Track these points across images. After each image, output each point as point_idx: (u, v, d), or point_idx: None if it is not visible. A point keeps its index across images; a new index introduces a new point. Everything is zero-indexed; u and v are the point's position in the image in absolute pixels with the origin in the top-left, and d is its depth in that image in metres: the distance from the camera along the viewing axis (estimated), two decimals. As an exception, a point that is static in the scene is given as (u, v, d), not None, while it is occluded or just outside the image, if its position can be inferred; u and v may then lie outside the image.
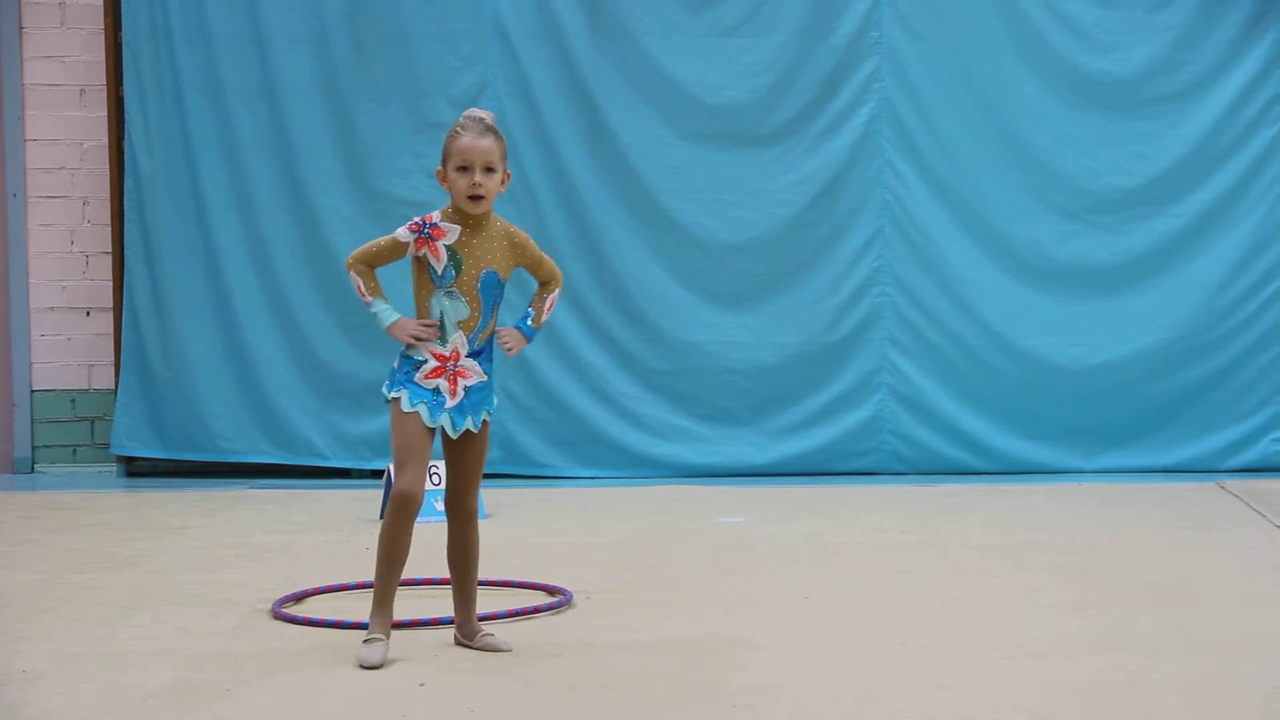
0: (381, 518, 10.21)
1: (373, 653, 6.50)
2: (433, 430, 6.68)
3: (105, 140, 12.18)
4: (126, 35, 11.92)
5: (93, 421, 12.40)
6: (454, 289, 6.52)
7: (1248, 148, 11.87)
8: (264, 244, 11.97)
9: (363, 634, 6.79)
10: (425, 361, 6.62)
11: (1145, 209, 11.93)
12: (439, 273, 6.52)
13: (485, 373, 6.71)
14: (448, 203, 6.62)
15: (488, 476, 10.70)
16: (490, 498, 10.64)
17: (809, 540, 9.69)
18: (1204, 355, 11.93)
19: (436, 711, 6.10)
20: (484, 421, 6.81)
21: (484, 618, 7.64)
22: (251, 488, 11.65)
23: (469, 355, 6.63)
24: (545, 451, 11.92)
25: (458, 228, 6.56)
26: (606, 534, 9.81)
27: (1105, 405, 11.94)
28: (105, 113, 12.17)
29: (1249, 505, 10.54)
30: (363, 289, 6.80)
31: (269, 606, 7.92)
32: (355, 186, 11.94)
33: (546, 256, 7.07)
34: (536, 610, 7.76)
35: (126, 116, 11.99)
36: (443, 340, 6.55)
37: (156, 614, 7.95)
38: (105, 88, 12.16)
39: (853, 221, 11.98)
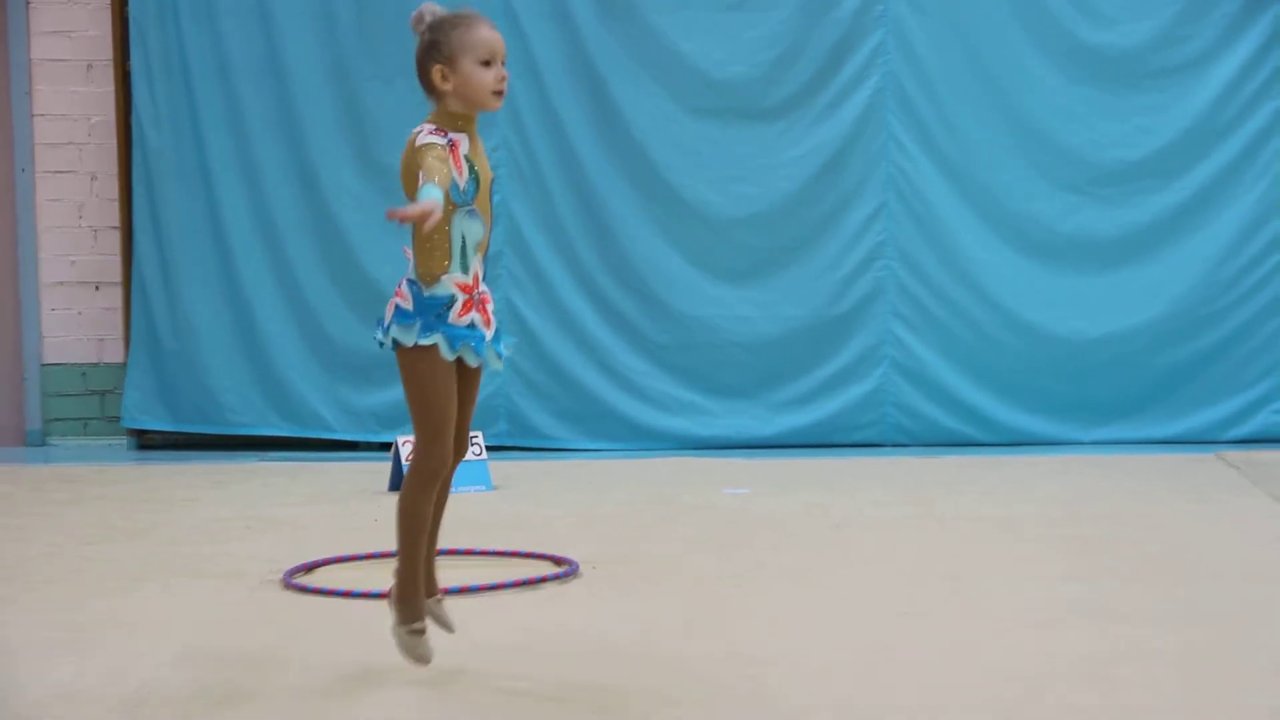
0: (392, 489, 10.30)
1: (423, 646, 5.90)
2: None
3: (113, 115, 12.27)
4: (133, 11, 11.99)
5: (103, 395, 12.46)
6: (474, 206, 5.64)
7: (1250, 121, 11.91)
8: (271, 219, 12.04)
9: (381, 608, 6.16)
10: (453, 297, 5.70)
11: (1148, 182, 11.97)
12: (461, 188, 5.58)
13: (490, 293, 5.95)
14: (431, 113, 5.66)
15: (492, 449, 10.83)
16: (497, 470, 10.71)
17: (811, 512, 9.73)
18: (1205, 328, 11.97)
19: (452, 671, 6.20)
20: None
21: (492, 587, 7.71)
22: (260, 460, 11.72)
23: (484, 278, 5.86)
24: (551, 425, 11.99)
25: (464, 135, 5.65)
26: (612, 505, 9.86)
27: (1106, 377, 12.00)
28: (112, 88, 12.26)
29: (1243, 473, 10.60)
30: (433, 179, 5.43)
31: (279, 577, 7.99)
32: (361, 162, 12.00)
33: None
34: (543, 580, 7.83)
35: (134, 92, 12.07)
36: (464, 267, 5.67)
37: (166, 585, 8.01)
38: (112, 63, 12.25)
39: (857, 196, 12.03)
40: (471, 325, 5.69)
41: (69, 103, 12.43)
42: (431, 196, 5.32)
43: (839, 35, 11.95)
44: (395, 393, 12.02)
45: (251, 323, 12.13)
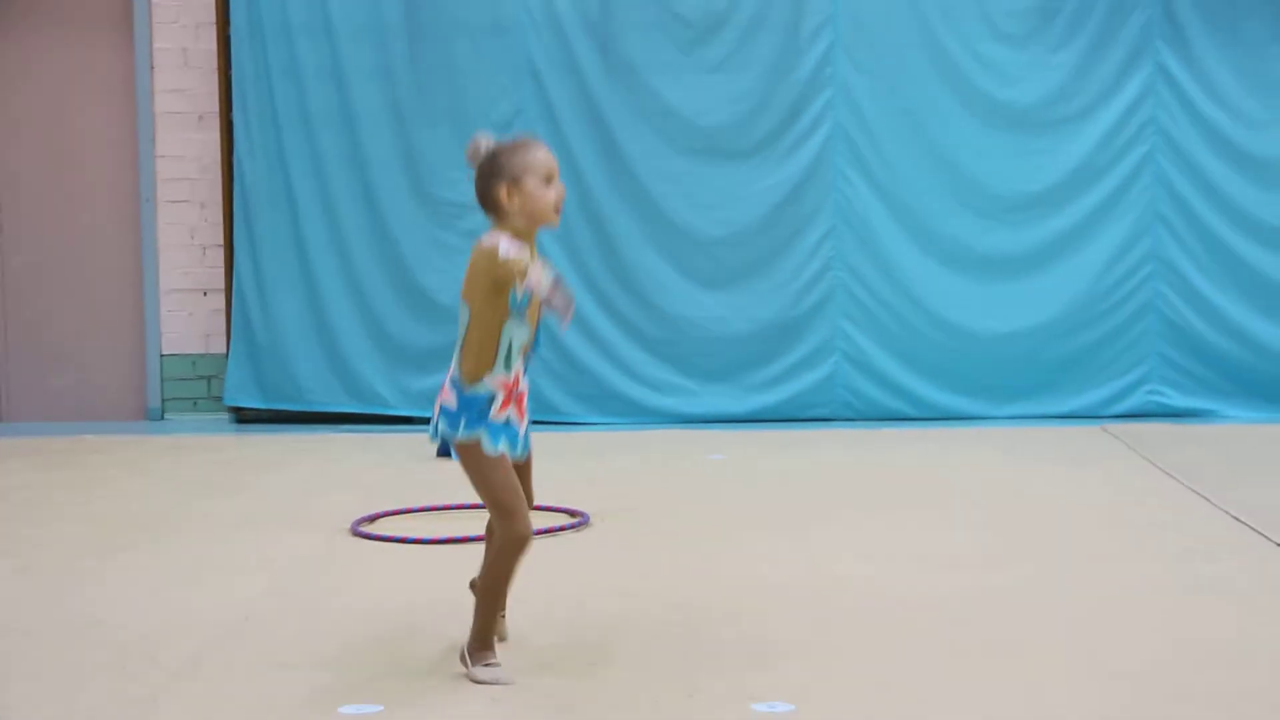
0: (439, 455, 10.29)
1: (501, 674, 5.29)
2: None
3: (218, 156, 12.28)
4: (235, 73, 12.05)
5: (209, 379, 12.50)
6: (525, 314, 5.19)
7: (1123, 162, 11.95)
8: (342, 237, 12.10)
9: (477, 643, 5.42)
10: (494, 397, 5.22)
11: (1044, 209, 12.02)
12: (519, 298, 5.13)
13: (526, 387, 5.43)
14: (495, 223, 5.25)
15: (531, 423, 10.83)
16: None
17: (777, 474, 9.87)
18: (1091, 325, 12.04)
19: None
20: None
21: None
22: (333, 432, 11.78)
23: (524, 375, 5.34)
24: (566, 402, 12.04)
25: (526, 248, 5.16)
26: (616, 469, 9.97)
27: (1012, 365, 12.05)
28: (218, 135, 12.26)
29: (1122, 442, 10.72)
30: (522, 268, 5.03)
31: (348, 526, 8.09)
32: (415, 192, 12.06)
33: None
34: (561, 529, 7.98)
35: (235, 137, 12.12)
36: (507, 367, 5.21)
37: (259, 532, 8.15)
38: (218, 115, 12.25)
39: (812, 220, 12.07)
40: (508, 422, 5.22)
41: (184, 146, 12.43)
42: (542, 278, 4.91)
43: (798, 92, 12.00)
44: (443, 378, 12.06)
45: (325, 320, 12.18)
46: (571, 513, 8.29)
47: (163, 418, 12.55)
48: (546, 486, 9.13)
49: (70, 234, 12.61)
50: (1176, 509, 8.53)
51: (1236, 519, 8.12)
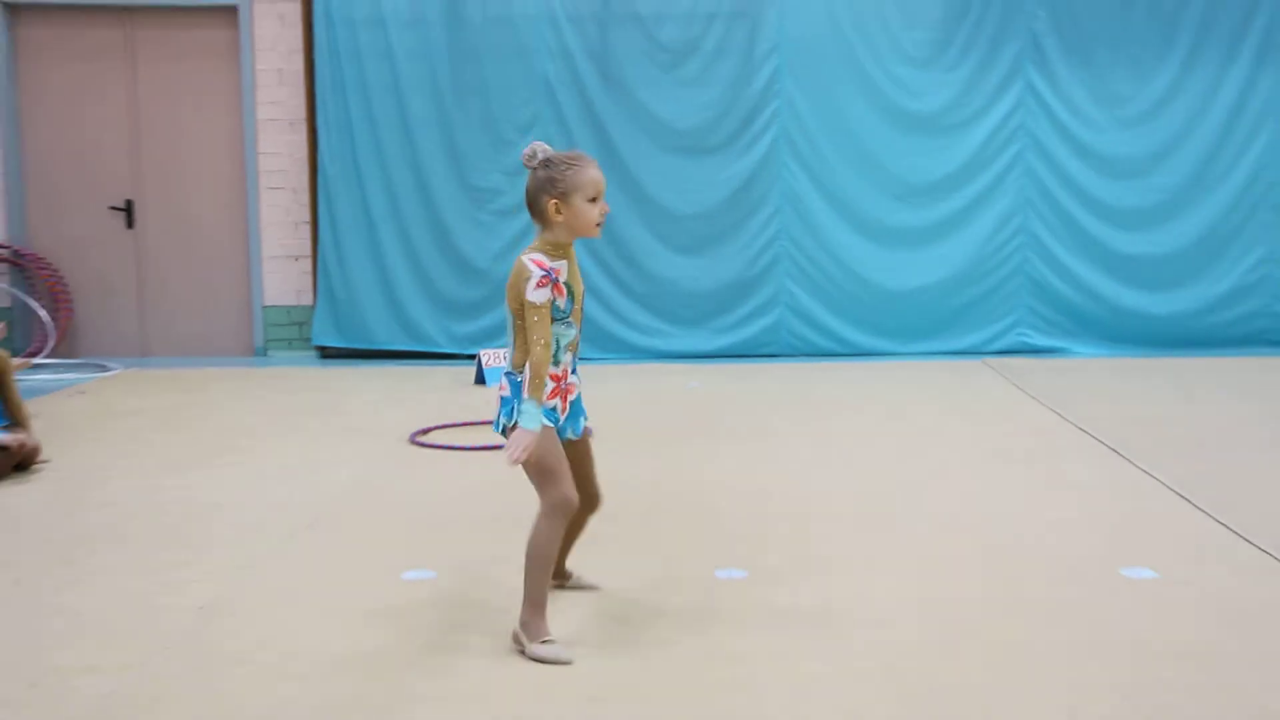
0: (477, 383, 10.35)
1: (561, 650, 4.45)
2: None
3: (306, 154, 12.26)
4: (318, 89, 11.98)
5: (300, 325, 12.44)
6: (570, 319, 4.59)
7: (1002, 157, 11.96)
8: (400, 215, 12.06)
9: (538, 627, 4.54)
10: (545, 384, 4.55)
11: (941, 194, 12.02)
12: (562, 308, 4.54)
13: (577, 384, 4.78)
14: (539, 235, 4.61)
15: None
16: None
17: (738, 397, 9.88)
18: (975, 283, 12.04)
19: (507, 502, 6.33)
20: (585, 428, 4.85)
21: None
22: (394, 365, 11.76)
23: (573, 371, 4.71)
24: None
25: (564, 263, 4.56)
26: (611, 394, 9.93)
27: (916, 313, 12.05)
28: (305, 137, 12.23)
29: (998, 372, 10.74)
30: (539, 391, 4.47)
31: (407, 436, 8.19)
32: (457, 180, 12.00)
33: None
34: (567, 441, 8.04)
35: (318, 139, 12.07)
36: (556, 362, 4.57)
37: (341, 440, 8.23)
38: (305, 121, 12.21)
39: (763, 202, 12.05)
40: (554, 409, 4.58)
41: (279, 146, 12.38)
42: (533, 427, 4.40)
43: (752, 103, 11.96)
44: (479, 324, 12.16)
45: (388, 278, 12.12)
46: (577, 426, 8.34)
47: (265, 354, 12.53)
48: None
49: (193, 214, 12.59)
50: (1037, 422, 8.62)
51: (1080, 429, 8.25)
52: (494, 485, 6.79)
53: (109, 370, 11.66)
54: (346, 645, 4.55)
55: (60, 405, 9.68)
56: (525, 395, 4.43)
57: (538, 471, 4.54)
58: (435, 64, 11.98)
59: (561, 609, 4.80)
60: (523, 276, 4.48)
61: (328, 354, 12.38)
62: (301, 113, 12.30)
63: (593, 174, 4.57)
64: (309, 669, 4.32)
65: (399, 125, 12.04)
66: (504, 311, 11.97)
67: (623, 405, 9.44)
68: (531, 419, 4.42)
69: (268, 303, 12.56)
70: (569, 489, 4.55)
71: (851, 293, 12.11)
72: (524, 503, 6.07)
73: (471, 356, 11.20)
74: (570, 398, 4.70)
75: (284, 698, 4.07)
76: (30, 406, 8.11)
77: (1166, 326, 12.01)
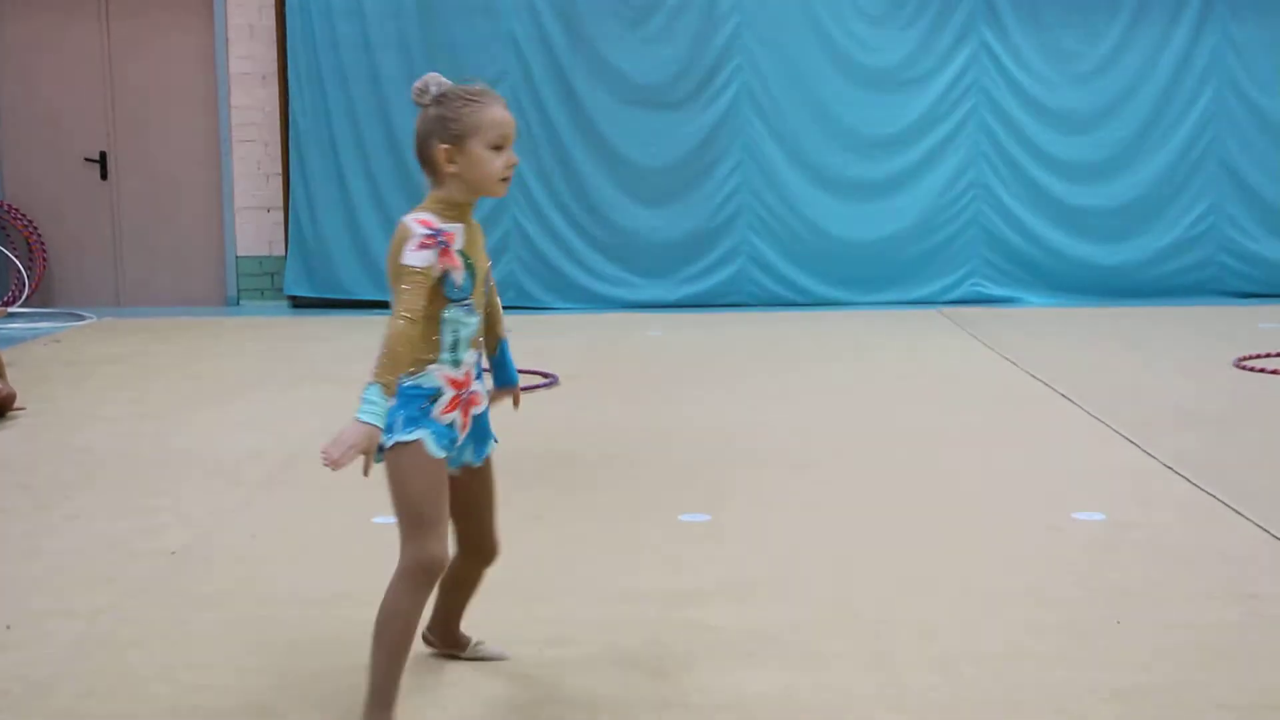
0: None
1: None
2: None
3: (278, 107, 12.17)
4: (289, 43, 11.91)
5: (272, 275, 12.40)
6: (470, 301, 3.41)
7: (956, 113, 12.00)
8: (370, 168, 12.00)
9: None
10: (441, 392, 3.40)
11: (898, 148, 12.03)
12: (458, 284, 3.38)
13: (482, 394, 3.57)
14: (430, 194, 3.44)
15: (504, 308, 10.87)
16: (507, 320, 10.80)
17: (701, 345, 9.90)
18: (930, 234, 12.08)
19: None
20: (488, 458, 3.64)
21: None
22: (364, 314, 11.65)
23: (477, 376, 3.53)
24: (540, 292, 11.99)
25: (460, 226, 3.40)
26: (578, 342, 9.96)
27: (875, 264, 12.06)
28: (277, 91, 12.15)
29: (953, 321, 10.79)
30: (391, 374, 3.25)
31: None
32: None
33: None
34: (536, 387, 8.02)
35: (290, 93, 12.01)
36: (454, 363, 3.41)
37: (311, 388, 8.21)
38: (277, 76, 12.13)
39: (725, 155, 12.04)
40: (451, 426, 3.41)
41: (252, 99, 12.31)
42: (375, 422, 3.18)
43: (714, 58, 11.95)
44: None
45: (358, 230, 12.08)
46: (545, 374, 8.33)
47: (238, 304, 12.49)
48: (524, 354, 9.22)
49: (166, 166, 12.52)
50: (989, 369, 8.67)
51: (1031, 375, 8.30)
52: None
53: (84, 319, 11.63)
54: (319, 588, 4.54)
55: (35, 354, 9.65)
56: (371, 377, 3.24)
57: (406, 514, 3.36)
58: (404, 21, 11.90)
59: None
60: (402, 238, 3.35)
61: (299, 303, 12.34)
62: (273, 67, 12.23)
63: (496, 114, 3.42)
64: (281, 611, 4.31)
65: (369, 80, 11.98)
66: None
67: (587, 354, 9.44)
68: (370, 411, 3.19)
69: (240, 253, 12.53)
70: (439, 548, 3.36)
71: (811, 244, 12.13)
72: (519, 441, 6.02)
73: (440, 306, 11.19)
74: (474, 411, 3.52)
75: (257, 640, 4.05)
76: (5, 355, 8.12)
77: (1115, 276, 12.07)
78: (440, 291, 3.38)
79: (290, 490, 5.85)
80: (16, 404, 7.47)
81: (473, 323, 3.46)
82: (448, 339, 3.42)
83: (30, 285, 12.29)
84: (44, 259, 12.46)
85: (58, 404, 7.78)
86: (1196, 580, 4.51)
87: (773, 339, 10.13)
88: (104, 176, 12.55)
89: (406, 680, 3.40)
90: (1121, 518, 5.25)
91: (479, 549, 3.69)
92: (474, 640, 3.90)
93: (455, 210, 3.42)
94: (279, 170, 12.34)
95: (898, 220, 12.09)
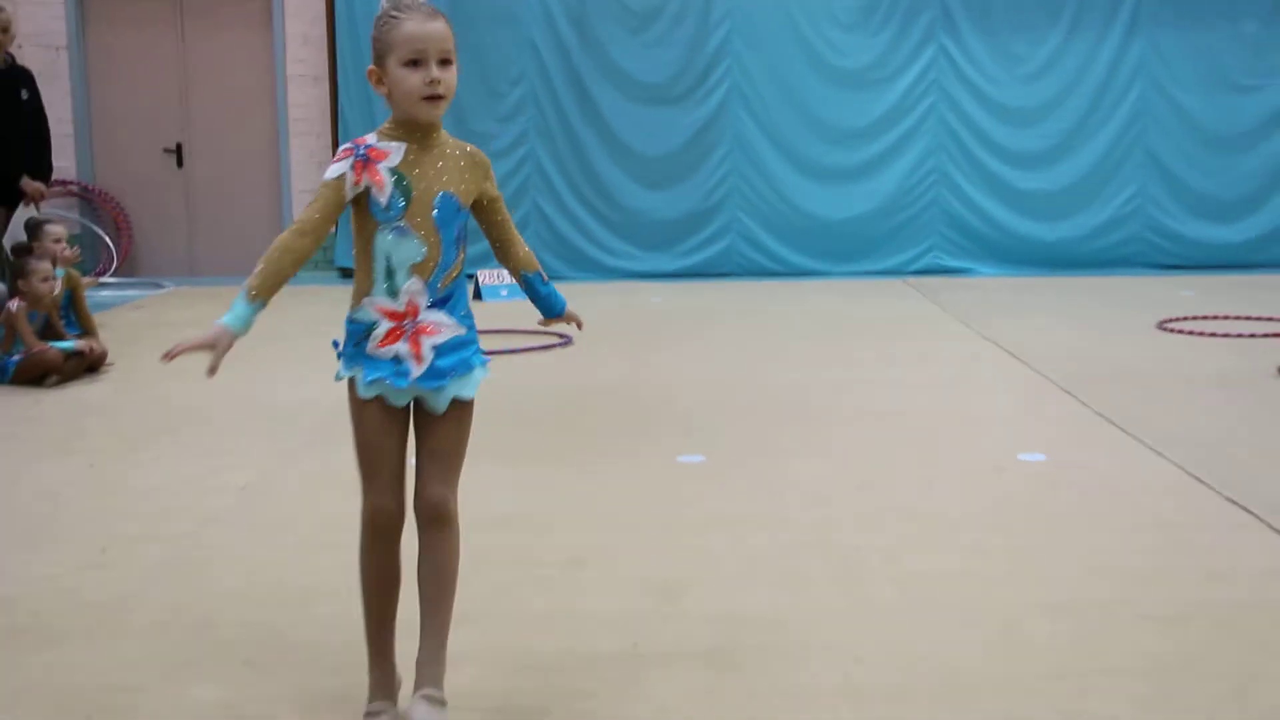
0: (475, 299, 10.28)
1: None
2: (405, 414, 2.87)
3: (328, 105, 12.16)
4: (339, 49, 11.91)
5: (325, 249, 12.33)
6: (403, 223, 2.79)
7: (918, 108, 11.97)
8: None
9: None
10: (375, 324, 2.83)
11: (868, 138, 12.01)
12: (383, 204, 2.78)
13: (462, 324, 2.90)
14: (383, 121, 2.91)
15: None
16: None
17: (696, 310, 9.89)
18: (896, 214, 12.05)
19: (514, 391, 6.31)
20: (468, 400, 2.91)
21: (523, 350, 7.85)
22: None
23: (432, 305, 2.85)
24: (556, 264, 11.91)
25: (402, 144, 2.82)
26: (588, 307, 9.75)
27: (848, 239, 12.03)
28: (328, 90, 12.14)
29: (916, 289, 10.79)
30: (259, 280, 2.80)
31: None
32: (456, 125, 11.72)
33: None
34: (551, 347, 8.03)
35: (339, 92, 11.99)
36: (390, 292, 2.81)
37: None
38: (328, 77, 12.12)
39: (716, 145, 12.03)
40: (396, 358, 2.81)
41: (306, 98, 12.29)
42: (229, 323, 2.76)
43: (708, 60, 11.94)
44: (475, 248, 12.07)
45: None
46: (560, 335, 8.29)
47: (296, 275, 12.45)
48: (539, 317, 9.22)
49: (233, 155, 12.52)
50: (948, 331, 8.67)
51: (983, 335, 8.31)
52: (492, 389, 6.79)
53: (163, 288, 11.66)
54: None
55: (122, 317, 9.68)
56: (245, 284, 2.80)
57: (357, 458, 2.88)
58: (438, 28, 11.88)
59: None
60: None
61: (347, 273, 12.26)
62: (324, 70, 12.21)
63: (409, 28, 2.77)
64: (339, 537, 4.32)
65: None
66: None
67: (596, 318, 9.28)
68: (234, 315, 2.77)
69: (297, 231, 12.45)
70: (377, 498, 2.83)
71: (792, 222, 12.12)
72: (512, 396, 5.99)
73: (471, 276, 11.21)
74: (432, 341, 2.85)
75: (319, 564, 4.08)
76: (97, 318, 8.11)
77: (1056, 250, 12.05)
78: (367, 212, 2.82)
79: (340, 434, 5.85)
80: (107, 361, 7.53)
81: (409, 247, 2.82)
82: (379, 266, 2.82)
83: (118, 258, 12.36)
84: (129, 236, 12.49)
85: (141, 361, 7.79)
86: (1123, 512, 4.54)
87: (759, 305, 10.10)
88: (179, 164, 12.56)
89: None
90: (1060, 458, 5.27)
91: (421, 505, 2.87)
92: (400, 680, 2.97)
93: (399, 130, 2.87)
94: (329, 158, 12.21)
95: (868, 201, 12.06)
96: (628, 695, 3.07)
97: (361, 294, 2.86)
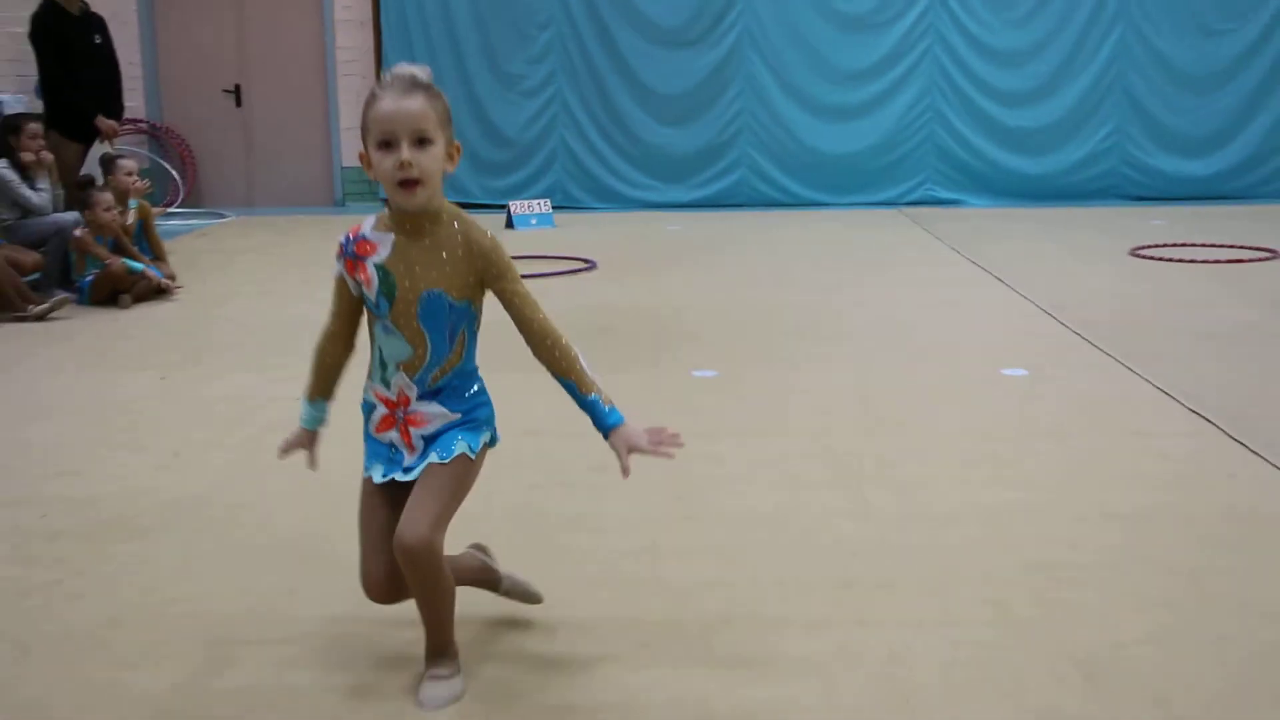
0: (507, 227, 10.30)
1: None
2: (402, 487, 2.55)
3: (372, 48, 12.07)
4: (383, 2, 11.92)
5: (369, 181, 12.18)
6: (389, 322, 2.51)
7: (915, 50, 11.79)
8: (447, 95, 11.78)
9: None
10: (375, 407, 2.60)
11: (870, 78, 11.84)
12: (372, 301, 2.52)
13: (455, 410, 2.55)
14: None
15: (555, 207, 10.95)
16: (558, 218, 10.77)
17: (712, 236, 9.82)
18: (894, 149, 11.91)
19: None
20: (458, 457, 2.51)
21: (552, 274, 7.84)
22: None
23: (423, 397, 2.53)
24: (582, 195, 11.90)
25: (390, 237, 2.49)
26: (612, 235, 9.90)
27: (850, 173, 11.91)
28: (372, 34, 12.05)
29: (910, 218, 10.70)
30: (311, 377, 2.70)
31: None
32: (490, 67, 11.83)
33: (524, 288, 2.62)
34: (577, 271, 8.03)
35: (383, 37, 11.89)
36: (384, 381, 2.55)
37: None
38: (372, 22, 12.03)
39: (730, 83, 11.88)
40: (391, 445, 2.57)
41: (352, 41, 12.20)
42: (303, 424, 2.72)
43: (722, 4, 11.73)
44: (508, 180, 12.10)
45: None
46: (585, 260, 8.34)
47: (344, 205, 12.46)
48: (568, 244, 9.21)
49: (286, 95, 12.45)
50: (939, 257, 8.62)
51: (972, 261, 8.27)
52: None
53: (224, 217, 11.65)
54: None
55: (189, 245, 9.68)
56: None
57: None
58: (474, -22, 11.84)
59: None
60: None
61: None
62: (369, 15, 12.11)
63: (381, 108, 2.44)
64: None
65: (444, 25, 11.85)
66: (527, 170, 12.10)
67: (618, 244, 9.38)
68: (303, 417, 2.72)
69: (345, 164, 12.45)
70: (364, 565, 2.56)
71: (798, 156, 12.00)
72: (563, 313, 6.03)
73: (502, 206, 11.21)
74: (421, 432, 2.56)
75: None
76: (166, 245, 8.16)
77: (1040, 183, 11.94)
78: (363, 303, 2.58)
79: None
80: (176, 284, 7.58)
81: (396, 345, 2.52)
82: (375, 355, 2.58)
83: (183, 190, 12.35)
84: (193, 170, 12.50)
85: (206, 283, 7.83)
86: (1097, 422, 4.56)
87: (767, 233, 10.04)
88: (238, 104, 12.52)
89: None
90: (1040, 373, 5.28)
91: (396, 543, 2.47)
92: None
93: (392, 218, 2.52)
94: (375, 99, 12.24)
95: (867, 137, 11.94)
96: (646, 588, 3.13)
97: (367, 375, 2.62)
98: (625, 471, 2.58)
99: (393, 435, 2.57)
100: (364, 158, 2.49)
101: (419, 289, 2.49)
